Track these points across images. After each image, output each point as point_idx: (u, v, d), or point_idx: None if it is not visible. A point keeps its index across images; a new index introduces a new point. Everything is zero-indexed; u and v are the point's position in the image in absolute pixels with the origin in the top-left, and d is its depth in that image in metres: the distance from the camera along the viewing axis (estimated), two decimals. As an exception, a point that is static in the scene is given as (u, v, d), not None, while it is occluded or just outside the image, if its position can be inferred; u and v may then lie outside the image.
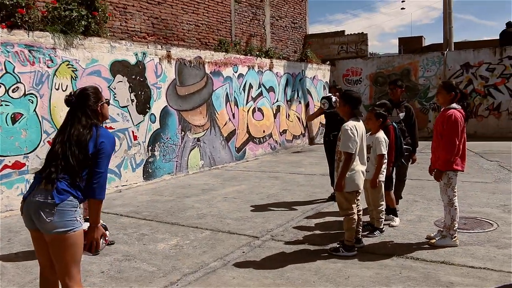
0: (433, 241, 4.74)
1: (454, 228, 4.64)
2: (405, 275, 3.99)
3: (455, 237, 4.66)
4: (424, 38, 57.45)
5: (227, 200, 7.36)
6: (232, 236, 5.38)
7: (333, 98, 6.96)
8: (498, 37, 16.77)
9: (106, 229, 3.29)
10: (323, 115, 7.41)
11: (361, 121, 4.69)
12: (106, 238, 3.14)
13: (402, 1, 50.09)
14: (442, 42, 18.58)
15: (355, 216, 4.59)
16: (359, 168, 4.57)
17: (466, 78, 16.12)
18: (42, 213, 2.83)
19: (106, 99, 3.24)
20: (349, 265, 4.29)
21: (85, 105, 3.08)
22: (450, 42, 17.92)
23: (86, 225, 3.01)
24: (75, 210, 2.91)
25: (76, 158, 2.91)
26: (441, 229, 4.86)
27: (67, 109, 3.18)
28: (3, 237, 5.73)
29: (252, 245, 5.03)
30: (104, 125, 8.22)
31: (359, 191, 4.66)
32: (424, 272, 4.03)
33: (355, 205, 4.65)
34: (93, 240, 2.98)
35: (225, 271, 4.26)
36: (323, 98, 7.30)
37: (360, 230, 4.83)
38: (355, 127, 4.49)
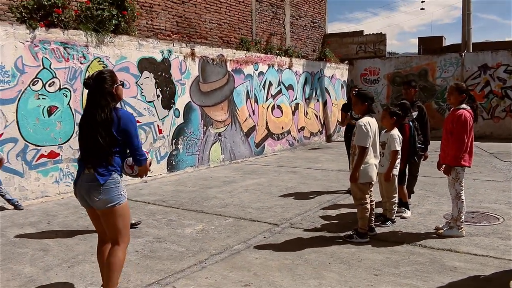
0: (440, 231, 5.09)
1: (461, 220, 4.97)
2: (413, 259, 4.35)
3: (461, 228, 4.99)
4: (445, 38, 57.03)
5: (248, 192, 7.78)
6: (254, 223, 5.79)
7: None
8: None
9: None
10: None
11: (374, 118, 5.05)
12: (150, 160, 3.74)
13: (422, 1, 49.74)
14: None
15: (368, 206, 4.97)
16: (372, 161, 4.94)
17: (483, 79, 16.25)
18: (91, 194, 3.35)
19: (120, 81, 3.54)
20: (362, 250, 4.67)
21: (102, 87, 3.38)
22: (469, 44, 18.05)
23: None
24: (118, 186, 3.41)
25: (105, 140, 3.31)
26: (449, 221, 5.20)
27: None
28: (43, 220, 6.23)
29: (273, 231, 5.44)
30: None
31: (372, 182, 5.02)
32: (431, 257, 4.39)
33: (368, 195, 5.02)
34: (146, 171, 3.67)
35: (248, 253, 4.67)
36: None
37: (373, 220, 5.20)
38: (369, 123, 4.86)
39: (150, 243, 5.08)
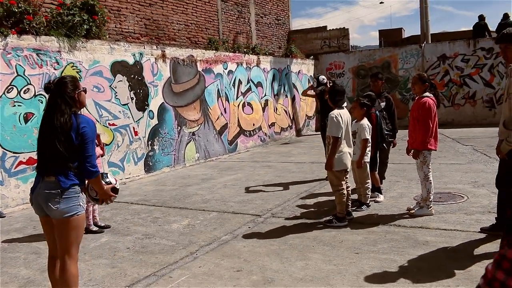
0: (412, 211, 5.51)
1: (430, 200, 5.39)
2: (389, 237, 4.73)
3: (430, 207, 5.41)
4: (404, 30, 58.50)
5: (227, 187, 8.04)
6: (237, 216, 6.06)
7: (321, 77, 7.96)
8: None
9: (109, 183, 3.57)
10: (319, 103, 8.31)
11: (345, 109, 5.41)
12: (117, 186, 3.61)
13: (381, -5, 51.01)
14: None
15: (345, 192, 5.32)
16: (346, 149, 5.30)
17: (443, 69, 16.97)
18: (49, 202, 3.22)
19: (83, 88, 3.44)
20: (342, 232, 5.02)
21: (63, 92, 3.29)
22: (427, 35, 18.77)
23: (111, 178, 3.60)
24: (78, 196, 3.31)
25: (64, 145, 3.20)
26: (419, 202, 5.61)
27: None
28: (28, 225, 6.32)
29: (256, 221, 5.73)
30: (108, 122, 8.87)
31: (347, 169, 5.38)
32: (405, 235, 4.78)
33: (344, 182, 5.37)
34: (106, 197, 3.50)
35: (236, 242, 4.94)
36: (312, 77, 8.37)
37: (350, 204, 5.55)
38: (340, 115, 5.22)
39: (140, 240, 5.28)
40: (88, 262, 4.62)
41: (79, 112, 3.39)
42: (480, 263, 3.91)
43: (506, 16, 16.44)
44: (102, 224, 5.90)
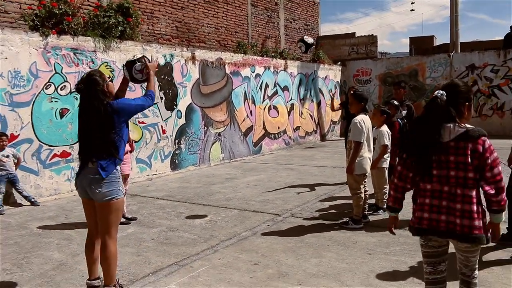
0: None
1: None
2: (402, 241, 4.89)
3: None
4: (435, 38, 57.69)
5: (249, 187, 8.29)
6: (257, 214, 6.31)
7: (310, 39, 8.16)
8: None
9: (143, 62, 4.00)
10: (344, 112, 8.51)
11: (368, 116, 5.59)
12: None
13: (412, 3, 50.45)
14: (451, 42, 19.32)
15: (362, 195, 5.51)
16: (367, 155, 5.48)
17: (471, 79, 16.84)
18: (93, 187, 3.56)
19: (109, 77, 3.70)
20: (356, 234, 5.20)
21: (94, 89, 3.54)
22: (457, 44, 18.64)
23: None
24: (118, 181, 3.64)
25: (108, 138, 3.54)
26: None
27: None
28: (60, 214, 6.71)
29: (275, 220, 5.96)
30: (137, 120, 9.23)
31: (366, 174, 5.56)
32: (417, 239, 4.91)
33: (363, 186, 5.55)
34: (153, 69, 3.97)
35: (255, 238, 5.19)
36: (298, 41, 8.51)
37: (367, 208, 5.73)
38: (363, 121, 5.40)
39: (164, 232, 5.58)
40: (115, 250, 4.93)
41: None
42: (488, 269, 4.04)
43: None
44: (129, 216, 6.23)
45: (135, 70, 3.84)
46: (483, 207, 2.71)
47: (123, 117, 3.64)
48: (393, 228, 3.20)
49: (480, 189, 2.68)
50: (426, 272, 2.94)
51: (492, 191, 2.64)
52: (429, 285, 2.94)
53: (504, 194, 2.70)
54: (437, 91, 2.80)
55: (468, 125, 2.73)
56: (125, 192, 6.14)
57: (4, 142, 7.02)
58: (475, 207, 2.64)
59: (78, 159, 3.75)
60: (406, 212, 6.06)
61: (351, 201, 5.80)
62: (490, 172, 2.63)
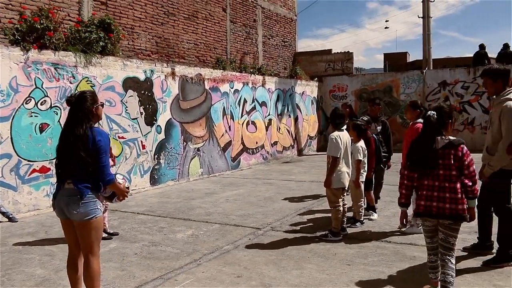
0: (403, 229, 5.86)
1: (420, 219, 5.73)
2: (379, 252, 5.08)
3: (420, 226, 5.73)
4: (409, 54, 59.11)
5: (229, 202, 8.40)
6: (238, 228, 6.41)
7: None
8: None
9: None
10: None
11: (345, 131, 5.80)
12: (126, 185, 4.01)
13: (386, 21, 51.89)
14: (424, 59, 19.94)
15: (341, 208, 5.69)
16: (344, 169, 5.68)
17: (443, 95, 17.41)
18: (70, 207, 3.58)
19: (101, 102, 3.77)
20: (336, 246, 5.37)
21: (83, 105, 3.61)
22: (429, 61, 19.29)
23: (120, 180, 3.93)
24: (96, 201, 3.65)
25: (84, 153, 3.52)
26: (410, 220, 5.95)
27: None
28: (40, 230, 6.68)
29: (256, 234, 6.08)
30: (117, 135, 9.27)
31: (345, 188, 5.75)
32: (394, 250, 5.13)
33: (341, 199, 5.73)
34: (123, 193, 3.86)
35: (237, 252, 5.29)
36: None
37: (345, 221, 5.91)
38: (339, 136, 5.61)
39: (147, 247, 5.64)
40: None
41: (94, 125, 3.73)
42: (460, 276, 4.25)
43: (506, 46, 16.93)
44: (111, 231, 6.25)
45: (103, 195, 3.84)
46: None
47: (97, 144, 3.59)
48: (403, 222, 4.18)
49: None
50: (427, 242, 3.93)
51: (470, 183, 3.68)
52: (429, 250, 3.91)
53: (477, 185, 3.73)
54: (430, 111, 3.82)
55: (450, 137, 3.75)
56: (106, 207, 6.21)
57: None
58: (459, 196, 3.65)
59: (56, 175, 3.78)
60: (383, 224, 6.30)
61: (329, 215, 5.98)
62: (467, 170, 3.69)
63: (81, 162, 3.56)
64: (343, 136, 5.69)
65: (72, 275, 3.79)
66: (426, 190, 3.75)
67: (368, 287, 4.10)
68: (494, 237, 4.89)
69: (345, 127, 5.97)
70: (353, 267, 4.63)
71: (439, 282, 3.77)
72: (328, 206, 6.01)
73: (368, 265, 4.68)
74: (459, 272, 4.37)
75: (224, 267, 4.75)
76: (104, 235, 6.07)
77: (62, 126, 3.85)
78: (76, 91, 3.90)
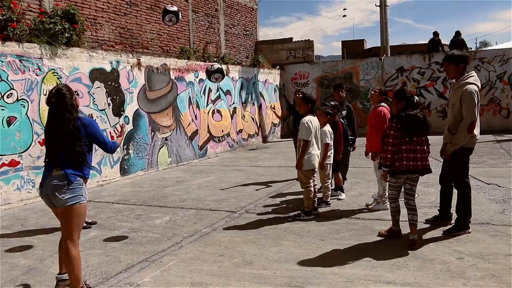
0: (370, 206, 6.27)
1: (385, 196, 6.14)
2: (350, 228, 5.46)
3: (386, 203, 6.15)
4: (366, 41, 60.38)
5: (201, 188, 8.61)
6: (214, 212, 6.66)
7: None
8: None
9: None
10: (290, 114, 9.01)
11: (315, 116, 6.12)
12: None
13: (344, 9, 52.80)
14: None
15: (312, 189, 6.02)
16: (315, 152, 6.00)
17: (401, 80, 18.11)
18: (56, 193, 3.73)
19: (75, 91, 4.01)
20: (309, 224, 5.71)
21: (64, 102, 3.81)
22: (387, 49, 19.97)
23: None
24: (81, 187, 3.85)
25: (79, 147, 3.79)
26: (376, 198, 6.37)
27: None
28: (15, 223, 6.70)
29: (232, 216, 6.35)
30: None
31: (315, 169, 6.08)
32: (363, 225, 5.52)
33: (312, 180, 6.06)
34: None
35: (216, 233, 5.54)
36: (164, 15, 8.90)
37: (316, 201, 6.25)
38: (311, 121, 5.92)
39: (127, 233, 5.80)
40: (82, 252, 5.02)
41: (79, 114, 4.01)
42: (426, 245, 4.69)
43: (458, 33, 17.75)
44: (89, 221, 6.35)
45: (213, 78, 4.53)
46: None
47: (89, 132, 3.93)
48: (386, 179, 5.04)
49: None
50: (393, 194, 4.97)
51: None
52: (391, 200, 5.01)
53: None
54: (415, 97, 4.91)
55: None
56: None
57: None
58: (427, 155, 4.78)
59: (44, 163, 3.96)
60: (351, 203, 6.69)
61: (299, 196, 6.32)
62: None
63: (75, 153, 3.81)
64: (313, 120, 6.00)
65: (61, 253, 3.98)
66: (406, 153, 4.69)
67: (342, 259, 4.44)
68: (453, 210, 5.34)
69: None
70: (327, 241, 4.98)
71: (401, 223, 5.03)
72: (298, 188, 6.34)
73: (340, 239, 5.04)
74: (425, 242, 4.80)
75: (206, 248, 5.00)
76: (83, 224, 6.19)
77: (46, 121, 4.02)
78: (52, 90, 4.01)
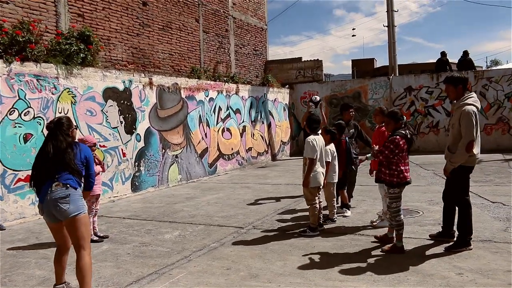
0: (374, 223, 6.40)
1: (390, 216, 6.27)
2: (354, 243, 5.60)
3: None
4: (376, 60, 60.74)
5: (210, 205, 8.79)
6: (222, 228, 6.82)
7: (313, 97, 8.82)
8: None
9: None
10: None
11: (320, 135, 6.32)
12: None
13: (353, 29, 53.33)
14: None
15: (317, 205, 6.18)
16: (320, 170, 6.18)
17: (409, 99, 18.28)
18: (60, 205, 3.99)
19: (74, 125, 4.42)
20: (314, 240, 5.85)
21: (61, 129, 4.20)
22: (395, 68, 20.18)
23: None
24: (81, 198, 4.17)
25: (73, 159, 4.11)
26: (381, 216, 6.50)
27: None
28: (30, 236, 6.92)
29: (239, 232, 6.51)
30: (99, 143, 9.50)
31: (320, 187, 6.25)
32: (366, 241, 5.66)
33: (317, 197, 6.23)
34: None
35: (224, 248, 5.71)
36: (310, 101, 9.19)
37: (321, 217, 6.40)
38: (315, 140, 6.11)
39: (138, 247, 5.98)
40: (95, 264, 5.26)
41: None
42: (427, 261, 4.81)
43: (465, 53, 17.96)
44: (101, 235, 6.56)
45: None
46: None
47: (86, 155, 4.29)
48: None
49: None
50: (398, 205, 5.34)
51: None
52: (400, 213, 5.34)
53: None
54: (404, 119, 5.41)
55: None
56: (96, 211, 6.54)
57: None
58: None
59: (32, 188, 4.23)
60: (356, 220, 6.83)
61: (306, 213, 6.47)
62: None
63: (73, 169, 4.12)
64: (318, 140, 6.19)
65: (58, 265, 4.28)
66: (405, 167, 5.30)
67: (346, 273, 4.58)
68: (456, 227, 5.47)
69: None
70: (331, 257, 5.13)
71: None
72: (305, 205, 6.49)
73: (344, 255, 5.19)
74: (426, 257, 4.93)
75: (214, 262, 5.16)
76: (95, 238, 6.40)
77: (41, 147, 4.29)
78: (54, 118, 4.41)
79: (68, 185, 4.05)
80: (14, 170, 8.08)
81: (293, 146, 19.75)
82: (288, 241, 5.87)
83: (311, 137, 6.18)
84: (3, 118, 7.96)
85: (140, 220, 7.70)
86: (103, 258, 5.53)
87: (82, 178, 4.28)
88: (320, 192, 6.36)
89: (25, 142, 8.30)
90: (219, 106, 14.54)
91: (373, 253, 5.20)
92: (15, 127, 8.17)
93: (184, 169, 12.53)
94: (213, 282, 4.50)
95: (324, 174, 6.36)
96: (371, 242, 5.67)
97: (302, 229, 6.27)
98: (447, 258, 4.89)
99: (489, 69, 22.68)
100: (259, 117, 17.13)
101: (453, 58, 19.96)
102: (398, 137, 5.22)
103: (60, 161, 4.07)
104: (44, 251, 6.00)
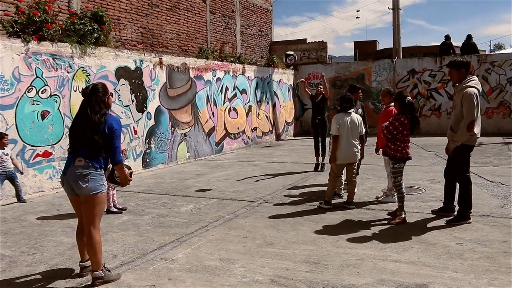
0: (380, 199, 6.76)
1: (394, 190, 6.62)
2: (361, 216, 5.97)
3: (394, 196, 6.64)
4: (378, 42, 60.42)
5: (221, 180, 9.15)
6: (234, 202, 7.19)
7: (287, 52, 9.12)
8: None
9: (129, 168, 4.65)
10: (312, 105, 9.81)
11: (351, 114, 6.59)
12: (131, 172, 4.57)
13: (357, 11, 52.98)
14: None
15: (337, 181, 6.66)
16: (345, 147, 6.48)
17: (412, 82, 18.51)
18: (80, 182, 4.00)
19: (110, 92, 4.31)
20: (324, 213, 6.21)
21: (97, 95, 4.12)
22: (399, 51, 20.33)
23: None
24: (102, 177, 4.13)
25: (98, 137, 4.00)
26: (386, 191, 6.85)
27: None
28: (52, 208, 7.29)
29: (252, 205, 6.88)
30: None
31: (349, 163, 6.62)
32: (373, 214, 6.03)
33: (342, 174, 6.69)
34: (126, 180, 4.45)
35: (238, 219, 6.08)
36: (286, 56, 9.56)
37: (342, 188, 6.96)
38: (341, 118, 6.47)
39: (157, 218, 6.35)
40: (118, 233, 5.66)
41: (108, 112, 4.29)
42: (430, 232, 5.19)
43: (469, 37, 18.12)
44: (120, 207, 6.92)
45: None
46: None
47: (109, 131, 4.08)
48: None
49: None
50: (401, 179, 5.80)
51: None
52: (402, 186, 5.81)
53: None
54: (408, 97, 5.80)
55: None
56: (115, 186, 6.88)
57: (6, 141, 7.51)
58: None
59: (68, 153, 4.25)
60: (362, 196, 7.18)
61: (314, 189, 6.81)
62: None
63: (94, 144, 4.02)
64: (345, 118, 6.51)
65: (80, 242, 4.31)
66: (406, 144, 5.74)
67: (353, 241, 4.96)
68: (456, 202, 5.82)
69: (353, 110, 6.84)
70: (340, 227, 5.51)
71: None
72: (313, 181, 6.88)
73: (352, 226, 5.56)
74: (428, 229, 5.29)
75: (230, 231, 5.53)
76: (115, 210, 6.77)
77: (77, 112, 4.30)
78: (91, 84, 4.45)
79: (89, 163, 4.03)
80: (32, 146, 8.41)
81: (297, 127, 20.06)
82: (298, 214, 6.23)
83: (337, 116, 6.52)
84: (22, 96, 8.25)
85: (155, 194, 8.06)
86: (125, 228, 5.90)
87: (105, 152, 4.15)
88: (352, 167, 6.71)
89: (42, 119, 8.61)
90: (226, 86, 14.80)
91: (379, 225, 5.56)
92: (33, 104, 8.46)
93: (192, 147, 12.86)
94: (232, 249, 4.86)
95: (356, 150, 6.59)
96: (379, 216, 6.03)
97: (320, 201, 6.69)
98: (448, 230, 5.26)
99: (492, 53, 22.85)
100: (264, 98, 17.40)
101: (457, 41, 20.09)
102: (403, 116, 5.54)
103: (88, 137, 4.01)
104: (68, 221, 6.35)
